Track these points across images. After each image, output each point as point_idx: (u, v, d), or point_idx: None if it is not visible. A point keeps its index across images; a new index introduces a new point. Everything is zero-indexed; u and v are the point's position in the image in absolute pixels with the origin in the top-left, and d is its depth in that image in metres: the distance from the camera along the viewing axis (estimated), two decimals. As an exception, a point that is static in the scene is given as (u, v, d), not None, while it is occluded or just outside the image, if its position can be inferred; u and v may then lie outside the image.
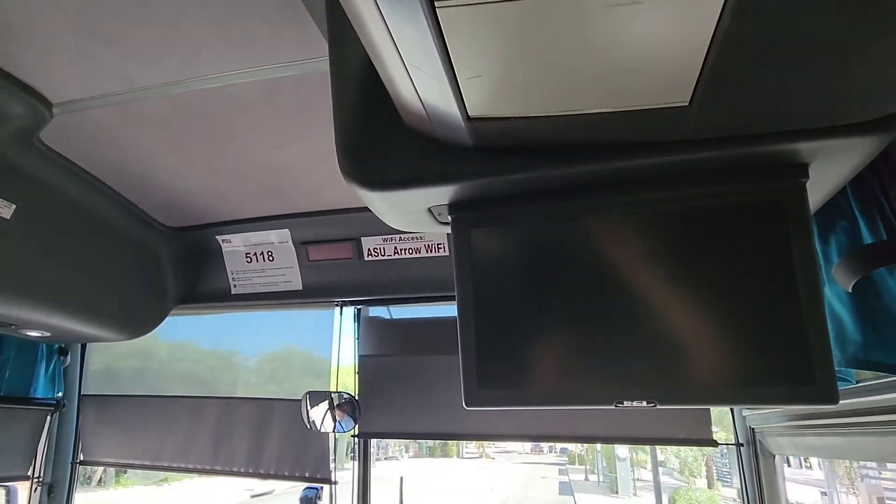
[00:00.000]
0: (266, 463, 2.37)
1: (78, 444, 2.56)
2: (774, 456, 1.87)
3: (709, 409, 2.00)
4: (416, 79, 0.64)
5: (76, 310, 1.85)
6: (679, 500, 17.25)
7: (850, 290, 0.95)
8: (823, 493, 16.96)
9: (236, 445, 2.42)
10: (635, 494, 21.58)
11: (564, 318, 0.85)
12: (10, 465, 2.35)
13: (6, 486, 2.39)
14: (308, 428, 2.18)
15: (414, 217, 0.96)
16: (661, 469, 14.24)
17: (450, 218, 0.91)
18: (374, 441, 2.40)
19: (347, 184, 0.87)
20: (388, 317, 2.47)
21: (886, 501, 13.81)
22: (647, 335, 0.81)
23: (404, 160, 0.82)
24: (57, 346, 2.51)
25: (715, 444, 1.96)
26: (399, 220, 0.99)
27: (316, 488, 2.33)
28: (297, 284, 2.21)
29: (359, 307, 2.39)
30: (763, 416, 1.84)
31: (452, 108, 0.68)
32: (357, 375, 2.37)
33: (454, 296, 2.00)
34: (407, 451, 40.72)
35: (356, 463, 2.31)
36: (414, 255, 2.08)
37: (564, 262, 0.86)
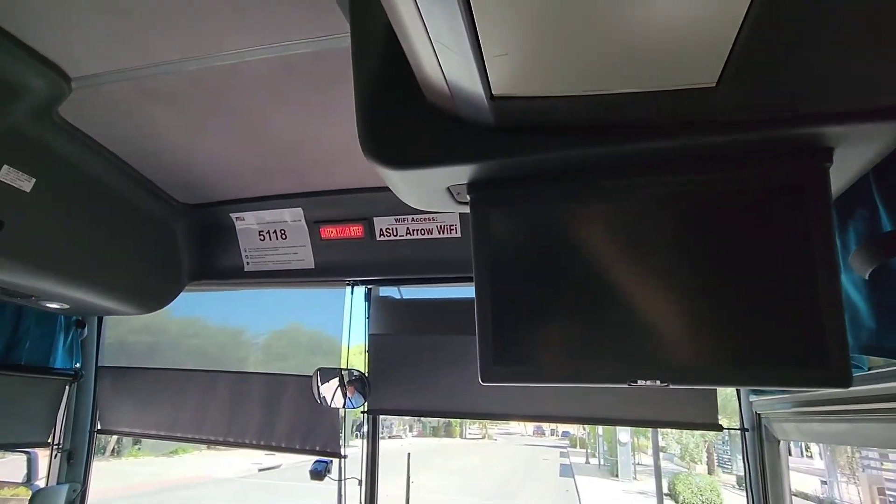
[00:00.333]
0: (277, 436, 2.43)
1: (95, 414, 2.64)
2: (779, 441, 1.89)
3: (715, 394, 2.02)
4: (442, 56, 0.64)
5: (93, 283, 1.89)
6: (679, 485, 17.45)
7: (867, 278, 0.95)
8: (823, 482, 17.07)
9: (248, 418, 2.48)
10: (635, 478, 21.85)
11: (581, 297, 0.86)
12: (31, 432, 2.43)
13: (28, 451, 2.47)
14: (319, 404, 2.23)
15: (432, 196, 0.96)
16: (661, 455, 14.37)
17: (468, 198, 0.92)
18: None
19: (368, 161, 0.87)
20: (398, 297, 2.49)
21: (887, 492, 13.88)
22: (662, 315, 0.82)
23: (426, 139, 0.82)
24: (74, 318, 2.57)
25: (720, 428, 1.98)
26: (417, 199, 1.00)
27: (326, 462, 2.39)
28: (309, 263, 2.23)
29: (370, 287, 2.42)
30: (769, 402, 1.85)
31: (477, 87, 0.68)
32: (367, 354, 2.41)
33: (465, 277, 2.02)
34: (411, 431, 41.38)
35: (364, 440, 2.36)
36: (426, 236, 2.08)
37: (582, 243, 0.87)
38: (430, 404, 2.35)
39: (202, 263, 2.32)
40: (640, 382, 0.83)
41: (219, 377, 2.58)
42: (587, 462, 28.00)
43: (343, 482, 2.29)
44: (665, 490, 13.31)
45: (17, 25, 1.19)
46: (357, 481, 2.30)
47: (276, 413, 2.45)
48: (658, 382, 0.82)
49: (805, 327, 0.76)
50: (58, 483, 2.47)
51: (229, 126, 1.62)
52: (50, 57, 1.30)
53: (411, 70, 0.74)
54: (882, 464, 15.46)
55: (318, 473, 2.39)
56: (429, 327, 2.40)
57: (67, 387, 2.56)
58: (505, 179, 0.89)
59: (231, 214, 2.21)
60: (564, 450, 34.84)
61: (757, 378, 0.79)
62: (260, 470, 20.90)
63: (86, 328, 2.61)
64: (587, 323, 0.86)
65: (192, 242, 2.27)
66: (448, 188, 0.93)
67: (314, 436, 2.39)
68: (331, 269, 2.23)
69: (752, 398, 1.96)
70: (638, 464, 23.64)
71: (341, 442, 2.35)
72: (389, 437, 32.68)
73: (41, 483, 2.50)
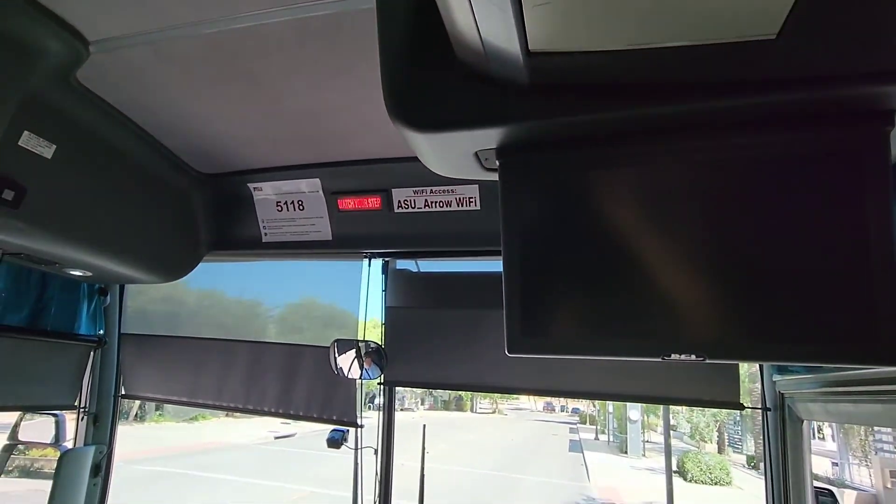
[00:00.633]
0: (295, 404, 2.47)
1: (119, 379, 2.71)
2: (803, 421, 1.86)
3: (738, 371, 1.99)
4: (477, 7, 0.60)
5: (114, 250, 1.91)
6: (688, 463, 17.61)
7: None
8: (835, 464, 17.08)
9: (267, 386, 2.52)
10: (644, 455, 22.10)
11: (613, 268, 0.82)
12: (59, 395, 2.51)
13: (55, 414, 2.56)
14: (335, 374, 2.25)
15: (459, 162, 0.93)
16: (671, 433, 14.49)
17: (497, 164, 0.88)
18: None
19: (390, 128, 0.84)
20: (415, 270, 2.48)
21: (899, 474, 13.84)
22: (699, 287, 0.79)
23: (455, 100, 0.78)
24: (97, 286, 2.61)
25: (742, 407, 1.96)
26: (443, 166, 0.96)
27: (342, 431, 2.43)
28: (326, 235, 2.22)
29: (387, 259, 2.41)
30: (795, 382, 1.81)
31: (513, 42, 0.64)
32: (384, 326, 2.42)
33: (484, 251, 1.97)
34: (422, 404, 42.22)
35: (381, 411, 2.39)
36: (445, 209, 2.05)
37: (616, 212, 0.83)
38: (446, 377, 2.36)
39: (220, 233, 2.32)
40: (673, 357, 0.80)
41: (238, 346, 2.62)
42: (596, 438, 28.38)
43: (360, 451, 2.33)
44: (674, 468, 13.45)
45: None
46: (373, 450, 2.34)
47: (294, 382, 2.49)
48: (693, 357, 0.79)
49: (855, 301, 0.72)
50: (84, 444, 2.55)
51: (247, 93, 1.59)
52: (67, 19, 1.28)
53: (441, 26, 0.70)
54: (896, 447, 15.39)
55: (336, 442, 2.44)
56: (446, 301, 2.39)
57: (92, 353, 2.63)
58: (536, 144, 0.85)
59: (249, 184, 2.20)
60: (574, 426, 35.31)
61: (800, 354, 0.76)
62: (276, 438, 21.59)
63: (108, 296, 2.66)
64: (619, 294, 0.83)
65: (211, 212, 2.27)
66: (476, 153, 0.89)
67: (331, 405, 2.42)
68: (348, 240, 2.22)
69: (776, 377, 1.93)
70: (647, 441, 23.89)
71: (358, 412, 2.38)
72: (402, 410, 33.40)
73: (69, 444, 2.59)
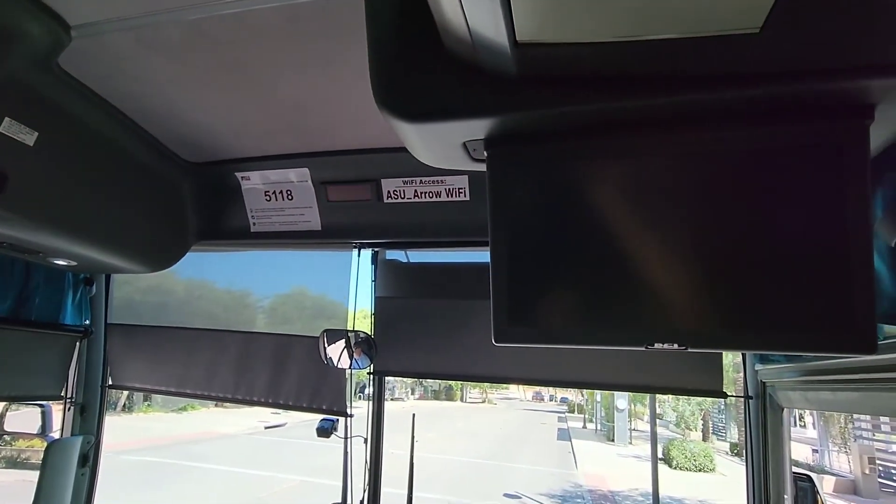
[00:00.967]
0: (285, 394, 2.48)
1: (106, 370, 2.69)
2: (783, 409, 1.90)
3: (721, 361, 2.03)
4: None
5: (99, 239, 1.88)
6: (673, 450, 17.96)
7: (893, 245, 0.92)
8: (815, 451, 17.53)
9: (256, 377, 2.52)
10: (630, 443, 22.49)
11: (599, 258, 0.84)
12: (44, 386, 2.49)
13: (42, 404, 2.54)
14: (325, 364, 2.25)
15: (447, 153, 0.93)
16: (657, 421, 14.75)
17: (485, 154, 0.89)
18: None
19: (379, 118, 0.84)
20: (404, 260, 2.48)
21: (877, 460, 14.25)
22: (682, 277, 0.80)
23: (443, 90, 0.78)
24: (83, 276, 2.58)
25: (725, 395, 2.00)
26: (431, 156, 0.96)
27: (332, 420, 2.44)
28: (315, 225, 2.21)
29: (376, 250, 2.40)
30: (776, 371, 1.85)
31: (500, 32, 0.64)
32: (373, 316, 2.42)
33: (473, 241, 1.98)
34: (412, 394, 42.44)
35: (370, 400, 2.41)
36: (434, 199, 2.05)
37: (602, 203, 0.84)
38: (435, 366, 2.38)
39: (209, 223, 2.30)
40: (657, 345, 0.82)
41: (227, 336, 2.61)
42: (584, 427, 28.78)
43: (349, 440, 2.34)
44: (659, 455, 13.71)
45: None
46: (363, 439, 2.36)
47: (284, 372, 2.49)
48: (676, 346, 0.81)
49: (832, 292, 0.74)
50: (72, 435, 2.54)
51: (233, 81, 1.57)
52: (47, 2, 1.25)
53: (429, 16, 0.69)
54: (874, 434, 15.83)
55: (325, 431, 2.45)
56: (435, 291, 2.40)
57: (78, 343, 2.60)
58: (524, 135, 0.85)
59: (237, 174, 2.17)
60: (562, 415, 35.76)
61: (778, 343, 0.78)
62: (266, 427, 21.60)
63: (94, 286, 2.63)
64: (604, 284, 0.84)
65: (199, 201, 2.25)
66: (464, 144, 0.89)
67: (321, 395, 2.43)
68: (337, 231, 2.21)
69: (758, 367, 1.97)
70: (634, 430, 24.30)
71: (348, 401, 2.39)
72: (391, 399, 33.55)
73: (56, 435, 2.57)
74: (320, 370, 2.38)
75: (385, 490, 2.39)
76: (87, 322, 2.63)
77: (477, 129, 0.84)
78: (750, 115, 0.76)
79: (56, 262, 2.09)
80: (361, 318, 2.50)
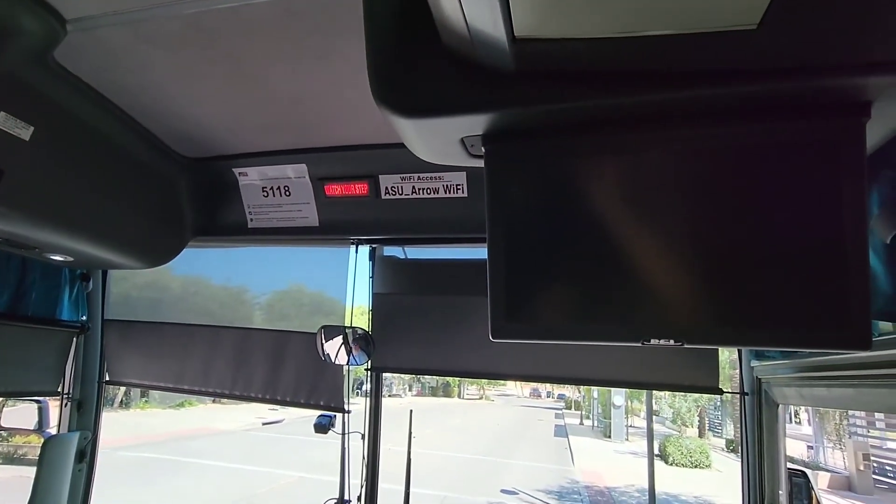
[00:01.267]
0: (282, 390, 2.48)
1: (103, 365, 2.68)
2: (778, 405, 1.92)
3: (717, 357, 2.04)
4: None
5: (95, 235, 1.87)
6: (669, 447, 18.05)
7: (889, 242, 0.93)
8: (810, 447, 17.65)
9: (254, 373, 2.52)
10: (627, 439, 22.60)
11: (596, 254, 0.84)
12: (41, 381, 2.48)
13: (38, 400, 2.53)
14: (323, 360, 2.25)
15: (445, 148, 0.93)
16: (654, 418, 14.84)
17: (483, 150, 0.88)
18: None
19: (377, 113, 0.83)
20: (402, 256, 2.48)
21: (871, 457, 14.36)
22: (679, 274, 0.80)
23: (441, 86, 0.78)
24: (79, 271, 2.57)
25: (721, 392, 2.01)
26: (429, 152, 0.96)
27: (330, 416, 2.44)
28: (313, 221, 2.20)
29: (374, 246, 2.40)
30: (771, 367, 1.86)
31: (498, 27, 0.64)
32: (371, 312, 2.42)
33: (471, 238, 1.98)
34: (410, 390, 42.52)
35: (368, 397, 2.41)
36: (432, 196, 2.05)
37: (600, 199, 0.84)
38: (433, 363, 2.38)
39: (206, 219, 2.29)
40: (653, 341, 0.82)
41: (224, 332, 2.60)
42: (581, 423, 28.90)
43: (347, 436, 2.34)
44: (656, 451, 13.78)
45: None
46: (360, 435, 2.36)
47: (281, 368, 2.49)
48: (672, 342, 0.81)
49: (828, 288, 0.75)
50: (69, 431, 2.54)
51: (230, 76, 1.56)
52: None
53: (427, 11, 0.69)
54: (869, 431, 15.94)
55: (323, 427, 2.46)
56: (433, 288, 2.40)
57: (75, 338, 2.59)
58: (522, 131, 0.85)
59: (234, 169, 2.16)
60: (559, 411, 35.89)
61: (774, 339, 0.78)
62: (264, 424, 21.62)
63: (90, 282, 2.62)
64: (602, 280, 0.84)
65: (196, 197, 2.24)
66: (462, 140, 0.89)
67: (318, 391, 2.43)
68: (335, 227, 2.20)
69: (754, 363, 1.98)
70: (630, 426, 24.41)
71: (346, 398, 2.39)
72: (389, 396, 33.62)
73: (52, 431, 2.57)
74: (318, 366, 2.38)
75: (382, 486, 2.40)
76: (84, 318, 2.62)
77: (475, 124, 0.84)
78: (747, 111, 0.76)
79: (52, 257, 2.08)
80: (359, 314, 2.50)
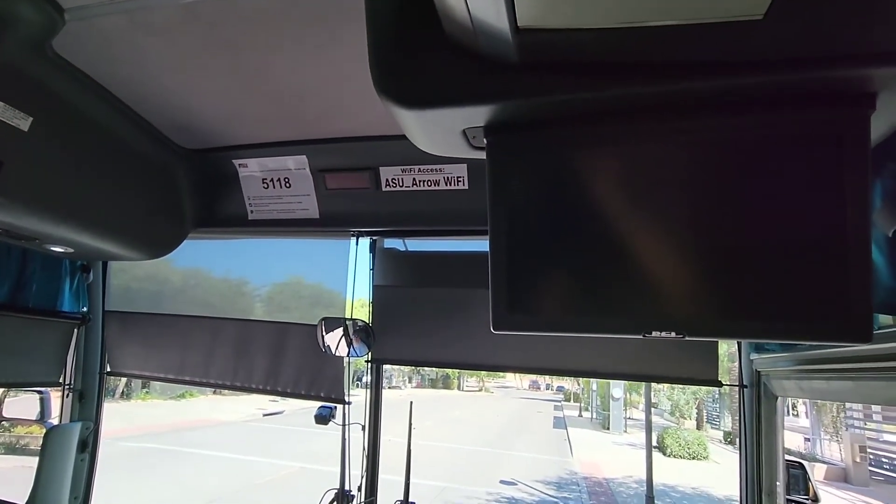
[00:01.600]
0: (283, 382, 2.49)
1: (104, 356, 2.69)
2: (777, 398, 1.92)
3: (717, 350, 2.04)
4: None
5: (96, 226, 1.87)
6: (667, 438, 18.18)
7: (891, 235, 0.92)
8: (807, 439, 17.76)
9: (255, 364, 2.53)
10: (625, 431, 22.75)
11: (597, 246, 0.84)
12: (42, 372, 2.49)
13: (40, 391, 2.54)
14: (323, 352, 2.26)
15: (447, 140, 0.92)
16: (652, 410, 14.94)
17: (485, 141, 0.88)
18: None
19: (378, 105, 0.83)
20: (403, 249, 2.48)
21: (868, 449, 14.47)
22: (680, 266, 0.80)
23: (443, 77, 0.78)
24: (80, 263, 2.57)
25: (720, 384, 2.02)
26: (430, 143, 0.95)
27: (330, 407, 2.45)
28: (313, 212, 2.20)
29: (374, 238, 2.40)
30: (771, 360, 1.87)
31: (501, 18, 0.63)
32: (371, 305, 2.42)
33: (472, 230, 1.97)
34: (410, 382, 42.72)
35: (368, 388, 2.42)
36: (432, 188, 2.04)
37: (601, 191, 0.84)
38: (433, 355, 2.39)
39: (206, 210, 2.29)
40: (654, 334, 0.82)
41: (225, 324, 2.61)
42: (580, 415, 29.07)
43: (347, 427, 2.36)
44: (654, 443, 13.88)
45: None
46: (360, 427, 2.37)
47: (282, 360, 2.49)
48: (673, 334, 0.81)
49: (830, 281, 0.75)
50: (71, 421, 2.55)
51: (230, 66, 1.54)
52: None
53: (429, 1, 0.68)
54: (865, 423, 16.04)
55: (324, 418, 2.47)
56: (433, 280, 2.40)
57: (76, 330, 2.60)
58: (524, 122, 0.84)
59: (234, 161, 2.16)
60: (558, 403, 36.09)
61: (775, 331, 0.78)
62: (265, 415, 21.75)
63: (91, 273, 2.62)
64: (603, 272, 0.84)
65: (196, 188, 2.23)
66: (464, 131, 0.89)
67: (319, 382, 2.44)
68: (335, 219, 2.20)
69: (754, 356, 1.99)
70: (629, 418, 24.56)
71: (346, 389, 2.40)
72: (389, 388, 33.78)
73: (54, 421, 2.58)
74: (318, 358, 2.39)
75: (383, 476, 2.42)
76: (85, 309, 2.62)
77: (477, 116, 0.83)
78: (751, 103, 0.75)
79: (52, 248, 2.08)
80: (359, 306, 2.51)
